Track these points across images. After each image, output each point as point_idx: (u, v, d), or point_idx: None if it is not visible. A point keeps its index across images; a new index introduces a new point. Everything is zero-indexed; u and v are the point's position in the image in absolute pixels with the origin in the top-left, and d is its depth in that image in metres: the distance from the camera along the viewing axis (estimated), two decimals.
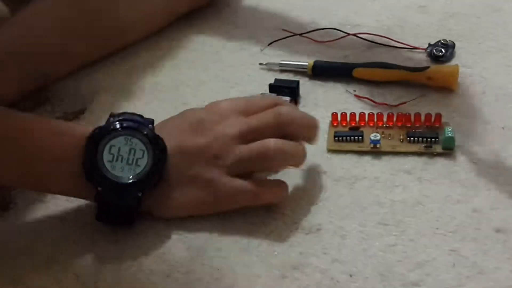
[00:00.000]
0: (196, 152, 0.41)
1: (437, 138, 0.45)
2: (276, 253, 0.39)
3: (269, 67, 0.55)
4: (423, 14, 0.59)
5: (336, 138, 0.46)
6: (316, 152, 0.46)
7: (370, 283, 0.37)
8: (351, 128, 0.47)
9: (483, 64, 0.53)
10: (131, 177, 0.40)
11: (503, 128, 0.47)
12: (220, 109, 0.43)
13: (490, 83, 0.51)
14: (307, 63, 0.53)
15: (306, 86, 0.53)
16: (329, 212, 0.42)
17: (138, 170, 0.40)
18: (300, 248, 0.40)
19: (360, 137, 0.46)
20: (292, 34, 0.57)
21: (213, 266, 0.39)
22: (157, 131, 0.41)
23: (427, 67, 0.51)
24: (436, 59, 0.53)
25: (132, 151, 0.40)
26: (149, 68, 0.57)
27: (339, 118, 0.48)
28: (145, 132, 0.40)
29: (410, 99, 0.49)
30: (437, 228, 0.40)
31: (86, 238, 0.42)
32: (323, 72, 0.53)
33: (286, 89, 0.51)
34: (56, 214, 0.44)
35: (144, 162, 0.40)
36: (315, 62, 0.53)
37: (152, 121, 0.41)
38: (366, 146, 0.46)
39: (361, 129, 0.47)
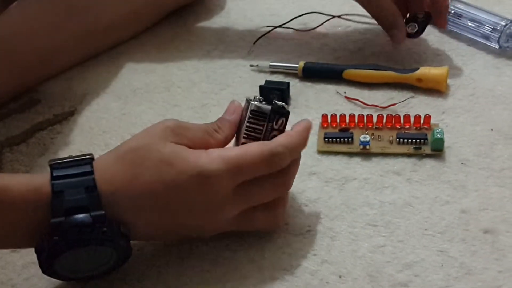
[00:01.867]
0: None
1: (426, 139, 0.46)
2: (266, 254, 0.40)
3: (260, 68, 0.55)
4: None
5: (326, 139, 0.47)
6: (306, 153, 0.46)
7: (359, 284, 0.37)
8: (341, 130, 0.47)
9: (472, 65, 0.53)
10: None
11: (491, 129, 0.47)
12: (214, 188, 0.36)
13: (479, 85, 0.51)
14: (297, 65, 0.54)
15: (296, 87, 0.53)
16: (319, 214, 0.42)
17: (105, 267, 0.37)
18: (289, 250, 0.40)
19: (350, 139, 0.46)
20: (273, 27, 0.58)
21: (203, 269, 0.39)
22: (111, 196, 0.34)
23: (417, 69, 0.51)
24: (409, 36, 0.53)
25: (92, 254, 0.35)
26: (139, 69, 0.57)
27: (329, 120, 0.48)
28: (101, 234, 0.34)
29: (399, 101, 0.50)
30: (425, 229, 0.40)
31: None
32: (313, 73, 0.53)
33: (276, 90, 0.51)
34: None
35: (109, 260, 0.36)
36: (305, 64, 0.53)
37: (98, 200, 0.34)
38: (356, 147, 0.46)
39: (351, 130, 0.47)
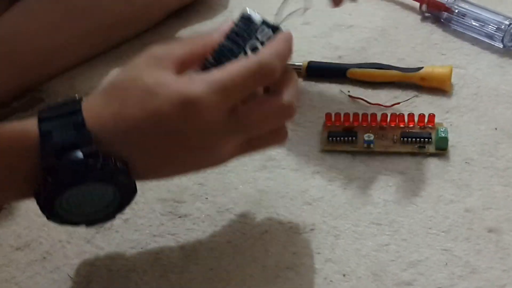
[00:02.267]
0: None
1: (430, 138, 0.45)
2: (269, 253, 0.39)
3: None
4: (418, 15, 0.59)
5: (330, 138, 0.47)
6: (310, 152, 0.46)
7: (363, 282, 0.37)
8: (345, 129, 0.47)
9: (476, 65, 0.53)
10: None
11: (495, 128, 0.47)
12: (202, 116, 0.33)
13: (483, 84, 0.51)
14: (301, 64, 0.53)
15: (300, 86, 0.53)
16: (322, 212, 0.42)
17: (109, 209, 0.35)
18: (293, 248, 0.40)
19: (354, 138, 0.46)
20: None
21: (206, 266, 0.39)
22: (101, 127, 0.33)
23: (421, 68, 0.51)
24: None
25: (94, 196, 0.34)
26: None
27: (333, 119, 0.48)
28: (96, 170, 0.32)
29: (403, 100, 0.50)
30: (430, 228, 0.40)
31: (80, 238, 0.42)
32: (317, 72, 0.53)
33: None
34: None
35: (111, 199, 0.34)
36: (309, 63, 0.53)
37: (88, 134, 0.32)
38: (360, 146, 0.46)
39: (355, 129, 0.47)
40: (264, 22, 0.36)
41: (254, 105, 0.35)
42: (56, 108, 0.34)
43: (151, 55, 0.35)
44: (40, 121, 0.33)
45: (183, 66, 0.34)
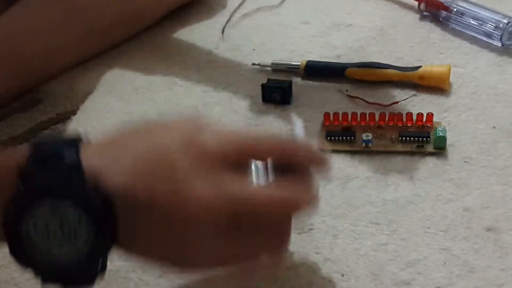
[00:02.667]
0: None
1: (429, 137, 0.45)
2: None
3: (262, 67, 0.55)
4: (416, 14, 0.59)
5: (328, 137, 0.47)
6: None
7: (362, 282, 0.37)
8: (343, 128, 0.47)
9: (474, 63, 0.53)
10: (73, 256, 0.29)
11: (494, 127, 0.47)
12: (205, 153, 0.30)
13: (481, 83, 0.51)
14: (299, 63, 0.53)
15: (298, 86, 0.53)
16: (321, 212, 0.42)
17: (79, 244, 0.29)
18: (292, 248, 0.40)
19: (352, 137, 0.46)
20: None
21: None
22: (98, 158, 0.29)
23: (419, 67, 0.51)
24: None
25: (65, 225, 0.28)
26: (141, 68, 0.57)
27: (331, 118, 0.48)
28: (76, 195, 0.28)
29: (402, 99, 0.50)
30: (428, 227, 0.40)
31: None
32: (315, 72, 0.53)
33: (278, 89, 0.51)
34: None
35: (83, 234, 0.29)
36: (307, 62, 0.53)
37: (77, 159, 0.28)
38: (358, 145, 0.46)
39: (353, 128, 0.47)
40: None
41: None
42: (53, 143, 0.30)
43: (201, 150, 0.30)
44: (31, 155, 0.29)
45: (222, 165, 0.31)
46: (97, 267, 0.30)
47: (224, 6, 0.63)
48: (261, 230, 0.32)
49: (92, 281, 0.30)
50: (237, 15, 0.62)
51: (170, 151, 0.30)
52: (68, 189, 0.28)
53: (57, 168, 0.28)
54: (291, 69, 0.54)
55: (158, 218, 0.30)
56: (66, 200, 0.28)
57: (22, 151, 0.29)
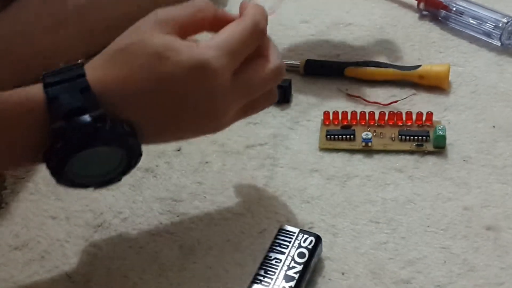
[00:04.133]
0: None
1: (428, 136, 0.46)
2: None
3: None
4: (416, 13, 0.60)
5: (328, 136, 0.47)
6: (308, 150, 0.46)
7: (362, 280, 0.37)
8: (343, 127, 0.47)
9: (474, 63, 0.53)
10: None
11: (493, 126, 0.47)
12: (213, 79, 0.34)
13: (481, 82, 0.51)
14: (299, 62, 0.53)
15: (298, 84, 0.53)
16: (321, 210, 0.42)
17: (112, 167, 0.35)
18: None
19: (352, 136, 0.46)
20: None
21: (205, 265, 0.39)
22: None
23: (419, 66, 0.51)
24: None
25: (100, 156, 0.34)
26: None
27: (331, 117, 0.48)
28: (105, 133, 0.33)
29: (401, 98, 0.50)
30: (428, 226, 0.40)
31: (78, 238, 0.42)
32: (315, 70, 0.53)
33: (278, 87, 0.50)
34: (48, 214, 0.43)
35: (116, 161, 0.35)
36: (307, 61, 0.53)
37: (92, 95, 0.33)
38: (358, 144, 0.46)
39: (353, 127, 0.47)
40: (302, 231, 0.38)
41: (253, 69, 0.36)
42: (60, 73, 0.34)
43: (155, 19, 0.35)
44: (45, 86, 0.33)
45: (184, 32, 0.36)
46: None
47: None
48: (257, 75, 0.37)
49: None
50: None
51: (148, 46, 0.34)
52: (99, 138, 0.32)
53: (85, 122, 0.32)
54: (291, 68, 0.54)
55: (178, 105, 0.34)
56: (100, 146, 0.33)
57: (37, 99, 0.33)
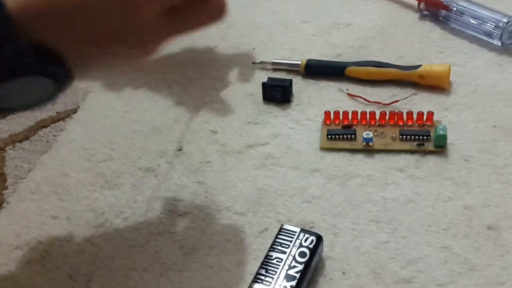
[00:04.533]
0: None
1: (429, 136, 0.46)
2: None
3: (262, 65, 0.55)
4: (416, 13, 0.60)
5: (329, 136, 0.47)
6: (309, 150, 0.46)
7: (363, 280, 0.38)
8: (344, 127, 0.47)
9: (474, 63, 0.53)
10: None
11: (494, 126, 0.47)
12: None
13: (481, 82, 0.51)
14: (300, 62, 0.53)
15: (299, 84, 0.53)
16: (322, 210, 0.42)
17: None
18: None
19: (352, 135, 0.46)
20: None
21: (206, 264, 0.39)
22: None
23: (419, 66, 0.51)
24: None
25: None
26: (141, 67, 0.57)
27: (332, 117, 0.48)
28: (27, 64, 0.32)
29: (402, 98, 0.50)
30: (429, 225, 0.40)
31: (79, 237, 0.42)
32: (316, 70, 0.53)
33: (279, 87, 0.51)
34: (49, 213, 0.44)
35: None
36: (308, 61, 0.53)
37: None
38: (359, 144, 0.46)
39: (354, 127, 0.47)
40: (303, 230, 0.38)
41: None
42: None
43: None
44: None
45: None
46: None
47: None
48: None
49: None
50: (237, 14, 0.62)
51: None
52: (22, 70, 0.32)
53: (7, 55, 0.31)
54: (292, 68, 0.54)
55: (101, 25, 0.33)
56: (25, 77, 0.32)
57: None
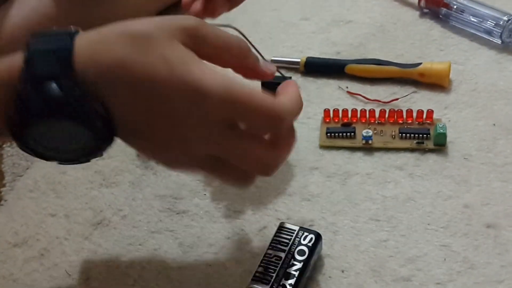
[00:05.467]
0: None
1: (429, 134, 0.45)
2: None
3: None
4: (416, 11, 0.59)
5: (328, 134, 0.46)
6: (309, 148, 0.46)
7: (362, 278, 0.37)
8: (343, 124, 0.47)
9: (474, 61, 0.53)
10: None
11: (494, 124, 0.47)
12: (206, 109, 0.31)
13: (481, 80, 0.51)
14: (299, 60, 0.53)
15: (298, 82, 0.53)
16: (321, 208, 0.42)
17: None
18: None
19: (352, 133, 0.46)
20: None
21: (205, 262, 0.39)
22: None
23: (419, 64, 0.51)
24: None
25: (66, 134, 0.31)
26: None
27: (331, 115, 0.48)
28: (72, 107, 0.30)
29: (402, 96, 0.50)
30: (428, 224, 0.40)
31: (78, 235, 0.41)
32: (315, 68, 0.53)
33: (278, 85, 0.50)
34: (47, 211, 0.43)
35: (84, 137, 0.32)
36: (307, 59, 0.53)
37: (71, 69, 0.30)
38: (358, 142, 0.46)
39: (353, 125, 0.47)
40: (302, 229, 0.38)
41: (249, 141, 0.33)
42: (47, 38, 0.31)
43: (184, 27, 0.32)
44: (27, 48, 0.30)
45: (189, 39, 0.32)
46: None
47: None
48: (255, 136, 0.33)
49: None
50: (236, 11, 0.62)
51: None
52: (62, 110, 0.30)
53: (51, 90, 0.29)
54: (291, 66, 0.54)
55: (159, 114, 0.31)
56: (64, 119, 0.30)
57: (16, 63, 0.30)
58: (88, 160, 0.34)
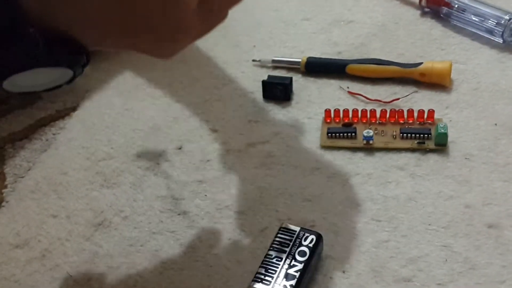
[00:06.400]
0: None
1: (430, 134, 0.45)
2: None
3: (262, 63, 0.55)
4: (417, 11, 0.59)
5: (329, 134, 0.46)
6: (309, 148, 0.46)
7: (363, 279, 0.37)
8: (344, 125, 0.47)
9: (476, 60, 0.53)
10: None
11: (495, 124, 0.47)
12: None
13: (483, 79, 0.51)
14: (300, 60, 0.53)
15: (299, 82, 0.52)
16: (322, 209, 0.42)
17: None
18: None
19: (353, 134, 0.46)
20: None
21: (206, 263, 0.39)
22: None
23: (420, 63, 0.51)
24: None
25: None
26: (141, 64, 0.57)
27: (332, 115, 0.48)
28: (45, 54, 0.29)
29: (403, 96, 0.49)
30: (429, 224, 0.40)
31: (79, 236, 0.42)
32: (316, 68, 0.53)
33: (279, 85, 0.51)
34: (49, 212, 0.43)
35: None
36: (308, 59, 0.53)
37: None
38: (359, 142, 0.46)
39: (354, 125, 0.47)
40: (303, 229, 0.38)
41: None
42: None
43: None
44: None
45: None
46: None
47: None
48: None
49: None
50: (237, 11, 0.62)
51: None
52: (35, 62, 0.29)
53: (19, 48, 0.29)
54: (292, 66, 0.54)
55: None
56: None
57: None
58: (71, 82, 0.33)
